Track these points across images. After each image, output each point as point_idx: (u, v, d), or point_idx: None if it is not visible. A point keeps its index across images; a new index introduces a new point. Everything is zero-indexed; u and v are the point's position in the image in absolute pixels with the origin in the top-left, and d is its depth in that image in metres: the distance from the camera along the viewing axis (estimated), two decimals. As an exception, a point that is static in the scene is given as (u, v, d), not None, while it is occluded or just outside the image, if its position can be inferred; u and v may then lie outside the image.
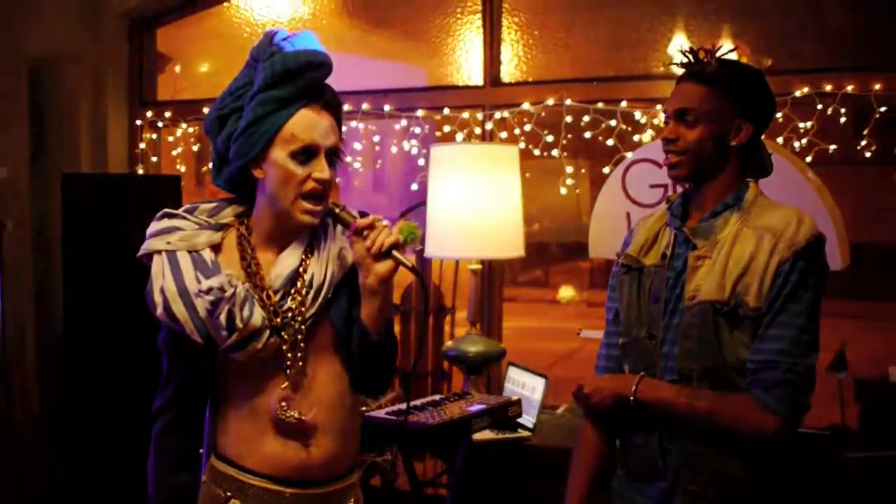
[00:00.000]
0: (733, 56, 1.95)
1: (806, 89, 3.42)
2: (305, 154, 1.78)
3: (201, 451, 1.97)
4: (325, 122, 1.80)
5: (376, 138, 4.28)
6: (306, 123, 1.78)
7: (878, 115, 3.34)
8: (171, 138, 4.67)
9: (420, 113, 4.06)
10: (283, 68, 1.77)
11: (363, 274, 1.80)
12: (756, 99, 1.94)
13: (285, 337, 1.83)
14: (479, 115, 3.97)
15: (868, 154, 3.40)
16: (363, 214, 1.83)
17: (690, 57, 1.94)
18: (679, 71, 2.00)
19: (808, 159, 3.42)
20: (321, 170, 1.79)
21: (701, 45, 1.95)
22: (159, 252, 1.84)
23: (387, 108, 4.11)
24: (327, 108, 1.82)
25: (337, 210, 1.83)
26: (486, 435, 2.93)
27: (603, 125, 3.72)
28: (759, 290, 1.82)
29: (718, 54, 1.93)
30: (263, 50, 1.82)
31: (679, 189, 2.09)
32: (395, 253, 1.76)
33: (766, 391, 1.81)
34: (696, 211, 1.97)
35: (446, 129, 4.05)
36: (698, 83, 1.91)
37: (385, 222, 1.79)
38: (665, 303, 1.94)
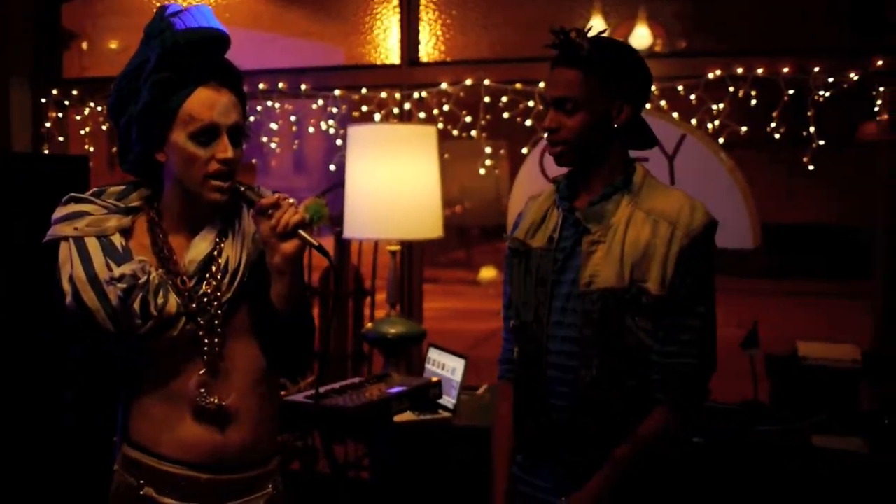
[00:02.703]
0: (602, 34, 1.93)
1: (718, 71, 3.48)
2: (206, 135, 1.73)
3: (114, 438, 1.91)
4: (224, 99, 1.75)
5: (293, 118, 4.21)
6: (204, 103, 1.73)
7: (786, 98, 3.42)
8: (78, 117, 4.51)
9: (337, 92, 4.01)
10: (174, 46, 1.71)
11: (269, 254, 1.75)
12: (632, 78, 1.92)
13: (201, 322, 1.79)
14: (398, 95, 3.94)
15: (777, 136, 3.48)
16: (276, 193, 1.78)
17: (562, 38, 1.90)
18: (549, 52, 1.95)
19: (721, 140, 3.49)
20: (224, 150, 1.74)
21: (572, 27, 1.90)
22: (66, 238, 1.77)
23: (303, 87, 4.05)
24: (226, 85, 1.76)
25: (242, 189, 1.77)
26: (406, 416, 2.93)
27: (521, 105, 3.72)
28: (660, 277, 1.83)
29: (590, 35, 1.90)
30: (155, 27, 1.76)
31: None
32: (301, 232, 1.72)
33: (670, 392, 1.85)
34: (585, 192, 1.96)
35: (364, 108, 4.01)
36: (573, 68, 1.88)
37: (291, 200, 1.75)
38: (553, 286, 1.94)
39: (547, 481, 1.97)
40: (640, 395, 1.87)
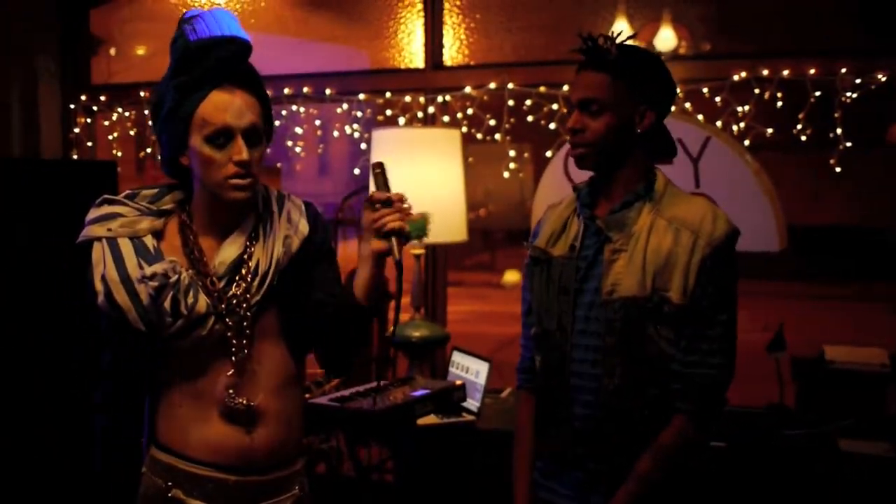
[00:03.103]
0: (631, 42, 1.93)
1: (744, 73, 3.46)
2: (221, 137, 1.74)
3: (142, 440, 1.93)
4: (238, 101, 1.76)
5: (318, 122, 4.24)
6: (216, 106, 1.74)
7: (812, 100, 3.39)
8: (106, 123, 4.56)
9: (362, 96, 4.02)
10: (185, 52, 1.74)
11: (362, 241, 1.80)
12: (657, 85, 1.94)
13: (230, 323, 1.81)
14: (422, 99, 3.95)
15: (804, 138, 3.45)
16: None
17: (590, 44, 1.91)
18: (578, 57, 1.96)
19: (746, 143, 3.47)
20: (238, 152, 1.75)
21: (600, 33, 1.91)
22: (99, 239, 1.80)
23: (328, 91, 4.06)
24: (242, 86, 1.78)
25: (377, 171, 1.83)
26: (430, 420, 2.93)
27: (545, 109, 3.72)
28: (682, 286, 1.83)
29: (618, 41, 1.90)
30: (176, 33, 1.79)
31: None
32: (392, 238, 1.75)
33: (690, 402, 1.85)
34: (606, 199, 1.96)
35: (388, 112, 4.02)
36: (600, 72, 1.88)
37: (405, 205, 1.78)
38: (576, 294, 1.94)
39: (568, 488, 1.97)
40: (661, 404, 1.87)
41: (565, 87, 3.65)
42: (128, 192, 1.89)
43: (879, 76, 3.30)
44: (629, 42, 1.93)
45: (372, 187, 1.91)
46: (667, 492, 1.88)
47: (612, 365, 1.87)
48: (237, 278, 1.82)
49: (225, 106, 1.74)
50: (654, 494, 1.85)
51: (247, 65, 1.81)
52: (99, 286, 1.76)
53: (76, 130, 4.53)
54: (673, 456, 1.85)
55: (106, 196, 1.86)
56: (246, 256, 1.83)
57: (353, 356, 1.93)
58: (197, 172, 1.80)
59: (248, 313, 1.82)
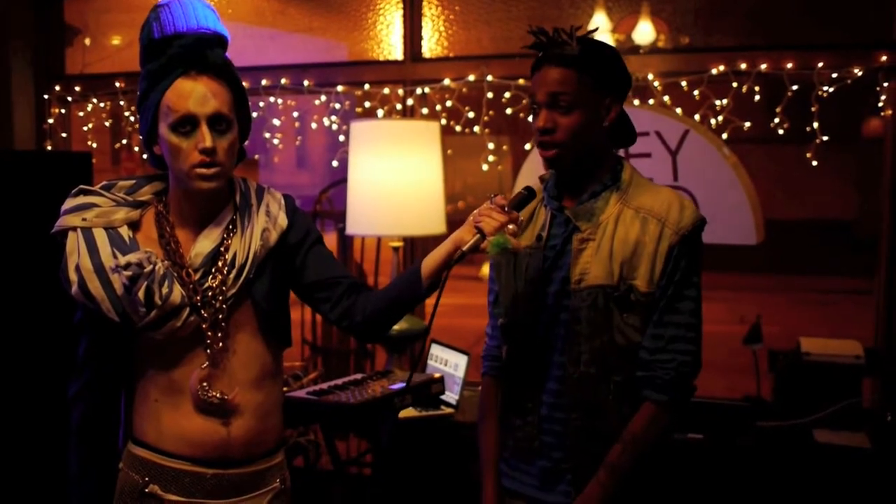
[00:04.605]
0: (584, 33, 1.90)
1: (722, 67, 3.47)
2: (186, 125, 1.73)
3: (119, 435, 1.92)
4: (202, 88, 1.74)
5: (296, 114, 4.21)
6: (180, 93, 1.73)
7: (790, 94, 3.41)
8: (81, 113, 4.51)
9: (340, 88, 4.00)
10: (149, 41, 1.75)
11: (465, 224, 1.82)
12: (619, 76, 1.91)
13: (205, 315, 1.80)
14: (400, 91, 3.93)
15: (781, 132, 3.47)
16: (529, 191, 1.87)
17: (543, 38, 1.88)
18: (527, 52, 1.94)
19: (724, 136, 3.48)
20: (202, 139, 1.73)
21: (554, 26, 1.89)
22: (74, 229, 1.79)
23: (306, 83, 4.04)
24: (207, 74, 1.76)
25: (524, 194, 1.86)
26: (409, 412, 2.92)
27: (524, 101, 3.72)
28: (649, 274, 1.84)
29: (578, 34, 1.87)
30: (144, 22, 1.79)
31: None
32: (477, 236, 1.77)
33: (660, 390, 1.85)
34: (573, 190, 1.95)
35: (367, 104, 4.01)
36: (564, 67, 1.84)
37: (511, 227, 1.77)
38: (544, 284, 1.94)
39: (534, 477, 1.97)
40: (626, 392, 1.87)
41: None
42: (105, 182, 1.87)
43: (856, 70, 3.32)
44: (586, 35, 1.90)
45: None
46: (641, 483, 1.88)
47: (578, 353, 1.87)
48: (213, 270, 1.81)
49: (188, 93, 1.73)
50: (626, 485, 1.85)
51: (216, 53, 1.79)
52: (73, 276, 1.75)
53: (50, 121, 4.48)
54: (643, 445, 1.85)
55: (82, 186, 1.85)
56: (222, 249, 1.82)
57: (391, 327, 1.95)
58: (167, 161, 1.78)
59: (224, 306, 1.81)
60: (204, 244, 1.82)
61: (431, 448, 3.10)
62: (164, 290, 1.74)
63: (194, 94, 1.73)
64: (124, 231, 1.80)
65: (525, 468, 1.99)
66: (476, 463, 2.12)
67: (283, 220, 1.91)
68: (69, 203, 1.82)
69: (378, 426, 2.88)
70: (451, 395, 3.04)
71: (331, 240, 4.08)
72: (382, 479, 3.19)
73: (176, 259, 1.80)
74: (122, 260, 1.73)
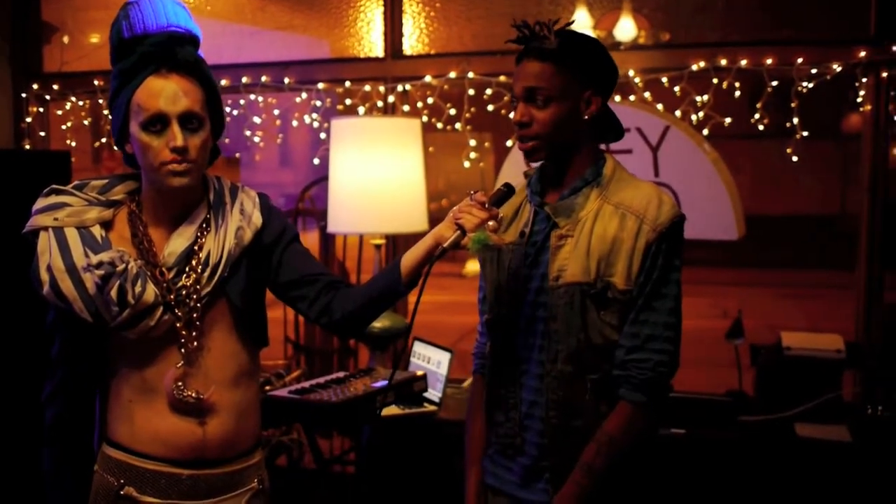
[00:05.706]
0: (568, 27, 1.89)
1: (702, 63, 3.48)
2: (156, 124, 1.72)
3: (94, 437, 1.90)
4: (172, 86, 1.73)
5: (277, 112, 4.19)
6: (150, 92, 1.72)
7: (769, 90, 3.42)
8: (59, 112, 4.47)
9: (321, 86, 3.99)
10: (118, 41, 1.75)
11: (445, 220, 1.82)
12: (600, 69, 1.90)
13: (179, 314, 1.78)
14: (381, 88, 3.92)
15: (761, 127, 3.49)
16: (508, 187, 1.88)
17: (526, 32, 1.87)
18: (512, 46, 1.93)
19: (705, 132, 3.49)
20: (173, 138, 1.72)
21: (536, 20, 1.87)
22: (46, 228, 1.77)
23: (287, 80, 4.02)
24: (178, 72, 1.74)
25: (504, 190, 1.86)
26: (392, 410, 2.92)
27: (505, 97, 3.71)
28: (627, 272, 1.83)
29: (556, 28, 1.87)
30: (113, 20, 1.78)
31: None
32: (459, 233, 1.77)
33: (636, 390, 1.83)
34: (555, 186, 1.95)
35: (348, 102, 3.99)
36: (542, 61, 1.84)
37: (492, 223, 1.77)
38: (524, 280, 1.93)
39: (514, 475, 1.97)
40: (604, 390, 1.86)
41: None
42: (77, 182, 1.86)
43: (835, 66, 3.34)
44: (567, 28, 1.89)
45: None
46: (619, 481, 1.87)
47: (556, 351, 1.87)
48: (187, 269, 1.80)
49: (158, 91, 1.72)
50: (604, 484, 1.84)
51: (187, 51, 1.77)
52: (44, 276, 1.73)
53: (28, 120, 4.44)
54: (619, 445, 1.84)
55: (54, 186, 1.83)
56: (196, 247, 1.81)
57: (370, 323, 1.95)
58: (138, 160, 1.77)
59: (199, 304, 1.80)
60: (177, 243, 1.80)
61: (415, 446, 3.09)
62: (137, 289, 1.73)
63: (164, 92, 1.72)
64: (97, 230, 1.78)
65: (507, 465, 1.99)
66: (460, 460, 2.12)
67: (257, 219, 1.89)
68: (40, 203, 1.81)
69: (361, 424, 2.87)
70: (434, 393, 3.03)
71: (313, 238, 4.06)
72: (366, 478, 3.19)
73: (149, 258, 1.79)
74: (94, 259, 1.71)
